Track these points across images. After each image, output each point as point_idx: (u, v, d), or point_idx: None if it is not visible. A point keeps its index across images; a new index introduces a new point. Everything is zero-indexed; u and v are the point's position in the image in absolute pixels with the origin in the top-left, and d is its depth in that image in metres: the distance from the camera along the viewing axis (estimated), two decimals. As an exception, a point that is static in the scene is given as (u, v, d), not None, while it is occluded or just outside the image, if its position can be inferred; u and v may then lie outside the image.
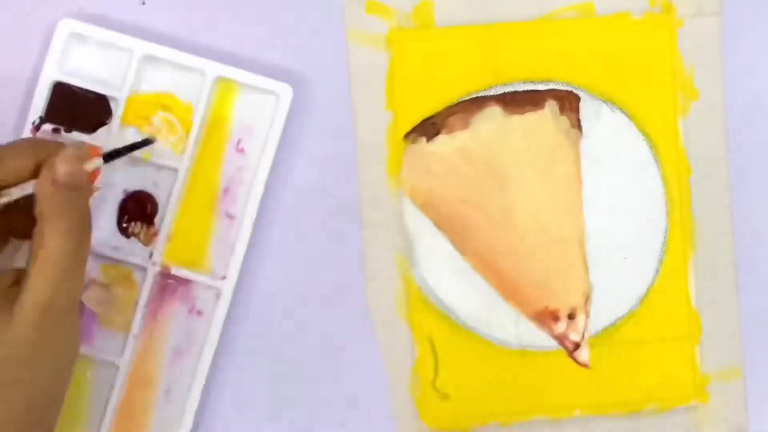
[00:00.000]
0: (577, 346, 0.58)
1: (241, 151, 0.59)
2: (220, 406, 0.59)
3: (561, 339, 0.58)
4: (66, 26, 0.57)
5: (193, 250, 0.59)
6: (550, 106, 0.58)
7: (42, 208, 0.49)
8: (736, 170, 0.59)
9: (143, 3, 0.59)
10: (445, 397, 0.59)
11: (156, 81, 0.59)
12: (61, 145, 0.51)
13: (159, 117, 0.59)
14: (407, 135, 0.59)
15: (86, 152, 0.51)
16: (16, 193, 0.50)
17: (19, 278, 0.49)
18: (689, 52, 0.59)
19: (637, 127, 0.59)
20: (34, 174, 0.50)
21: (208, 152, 0.59)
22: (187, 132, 0.58)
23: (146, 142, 0.56)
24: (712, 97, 0.59)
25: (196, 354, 0.58)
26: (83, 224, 0.49)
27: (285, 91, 0.58)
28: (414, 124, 0.59)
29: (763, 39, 0.60)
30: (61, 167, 0.49)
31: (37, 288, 0.47)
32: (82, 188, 0.50)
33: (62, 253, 0.48)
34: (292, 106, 0.58)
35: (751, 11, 0.60)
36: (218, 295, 0.57)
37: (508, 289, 0.58)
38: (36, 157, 0.50)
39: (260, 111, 0.59)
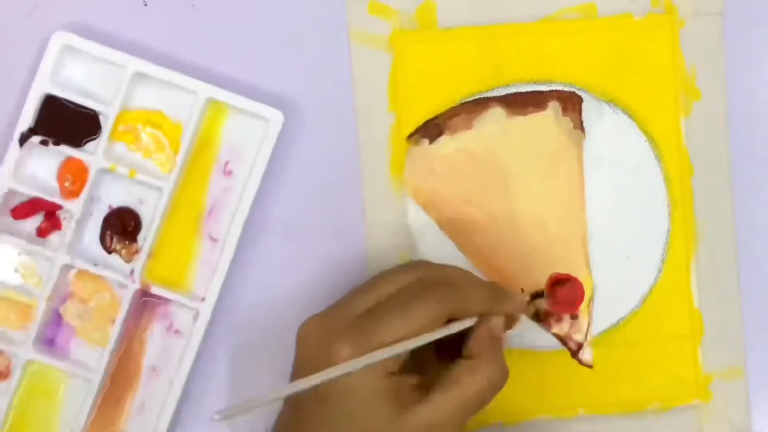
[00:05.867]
0: (580, 346, 0.58)
1: (228, 173, 0.59)
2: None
3: (564, 339, 0.58)
4: (59, 39, 0.57)
5: (174, 270, 0.58)
6: (553, 107, 0.58)
7: (474, 347, 0.51)
8: (738, 170, 0.60)
9: (145, 4, 0.59)
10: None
11: (147, 98, 0.58)
12: (508, 297, 0.53)
13: (148, 134, 0.58)
14: (410, 136, 0.59)
15: (522, 309, 0.55)
16: (456, 327, 0.51)
17: (422, 383, 0.50)
18: (691, 52, 0.59)
19: (639, 128, 0.59)
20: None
21: (195, 173, 0.59)
22: (175, 151, 0.58)
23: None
24: (714, 96, 0.59)
25: (172, 372, 0.58)
26: (504, 374, 0.51)
27: (275, 116, 0.57)
28: (417, 125, 0.59)
29: (765, 38, 0.60)
30: (496, 323, 0.52)
31: (436, 408, 0.49)
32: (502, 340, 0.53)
33: (472, 392, 0.50)
34: (296, 115, 0.58)
35: (752, 11, 0.60)
36: (196, 315, 0.57)
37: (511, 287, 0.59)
38: (490, 304, 0.52)
39: (250, 134, 0.58)
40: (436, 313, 0.50)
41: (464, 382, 0.50)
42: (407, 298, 0.50)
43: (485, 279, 0.58)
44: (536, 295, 0.56)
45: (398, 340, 0.49)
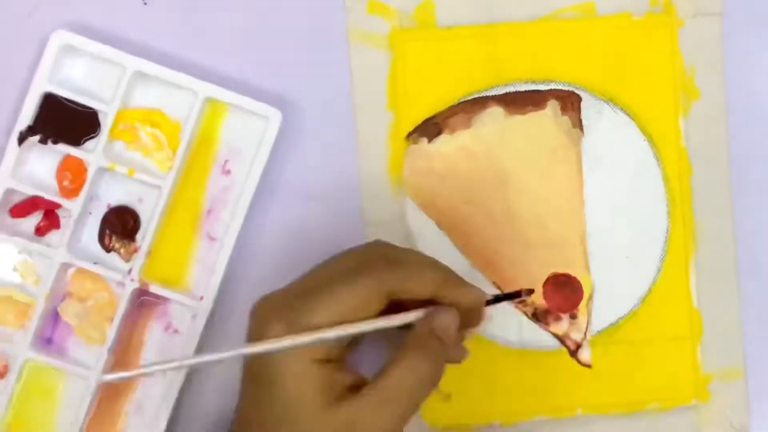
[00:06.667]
0: (578, 345, 0.58)
1: (227, 172, 0.58)
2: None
3: (563, 338, 0.58)
4: (59, 38, 0.57)
5: (173, 269, 0.58)
6: (552, 106, 0.58)
7: (408, 342, 0.48)
8: (737, 170, 0.60)
9: (145, 3, 0.59)
10: (447, 396, 0.59)
11: (146, 97, 0.58)
12: (462, 286, 0.49)
13: (147, 133, 0.58)
14: (409, 135, 0.59)
15: (478, 303, 0.50)
16: (398, 320, 0.48)
17: (358, 383, 0.48)
18: (690, 52, 0.59)
19: (638, 127, 0.59)
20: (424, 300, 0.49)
21: (194, 172, 0.58)
22: (174, 150, 0.58)
23: (529, 292, 0.53)
24: (713, 96, 0.59)
25: (170, 372, 0.57)
26: (435, 375, 0.48)
27: (274, 114, 0.57)
28: (416, 124, 0.59)
29: (764, 38, 0.60)
30: (441, 321, 0.48)
31: (360, 407, 0.46)
32: (449, 345, 0.48)
33: (396, 393, 0.47)
34: (295, 114, 0.58)
35: (751, 11, 0.60)
36: (195, 315, 0.57)
37: (510, 288, 0.58)
38: (439, 290, 0.48)
39: (249, 133, 0.58)
40: (372, 291, 0.47)
41: (388, 382, 0.46)
42: (339, 277, 0.47)
43: (485, 278, 0.59)
44: (498, 298, 0.51)
45: (329, 324, 0.46)
